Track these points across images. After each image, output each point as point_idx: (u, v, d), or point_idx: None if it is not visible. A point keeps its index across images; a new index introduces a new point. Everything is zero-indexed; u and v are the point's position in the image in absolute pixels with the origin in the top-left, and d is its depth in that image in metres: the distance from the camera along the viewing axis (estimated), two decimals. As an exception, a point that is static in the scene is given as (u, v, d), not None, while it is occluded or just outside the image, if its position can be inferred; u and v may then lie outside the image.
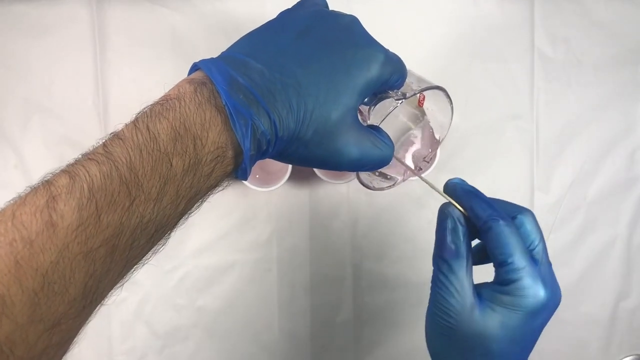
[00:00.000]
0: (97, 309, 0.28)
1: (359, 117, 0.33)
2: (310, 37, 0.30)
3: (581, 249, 0.64)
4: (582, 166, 0.64)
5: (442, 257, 0.33)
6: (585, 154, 0.64)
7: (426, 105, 0.39)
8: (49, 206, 0.24)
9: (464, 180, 0.35)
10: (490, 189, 0.63)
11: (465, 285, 0.32)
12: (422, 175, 0.39)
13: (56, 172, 0.26)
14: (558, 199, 0.64)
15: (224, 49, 0.33)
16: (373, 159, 0.32)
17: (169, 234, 0.29)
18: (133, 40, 0.60)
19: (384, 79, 0.31)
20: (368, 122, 0.35)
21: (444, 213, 0.34)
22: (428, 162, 0.41)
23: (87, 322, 0.28)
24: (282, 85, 0.28)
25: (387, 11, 0.61)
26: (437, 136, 0.40)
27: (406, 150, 0.42)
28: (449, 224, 0.34)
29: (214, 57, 0.30)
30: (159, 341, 0.63)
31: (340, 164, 0.31)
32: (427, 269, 0.64)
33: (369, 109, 0.34)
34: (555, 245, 0.64)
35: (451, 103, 0.37)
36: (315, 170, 0.56)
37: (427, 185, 0.37)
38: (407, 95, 0.33)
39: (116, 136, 0.26)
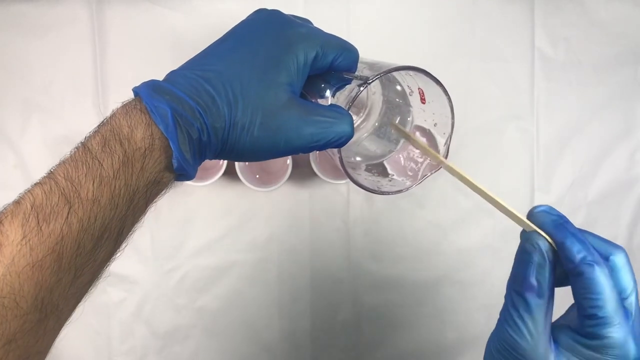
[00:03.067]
0: (58, 326, 0.28)
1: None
2: (231, 37, 0.33)
3: (581, 249, 0.64)
4: (582, 166, 0.64)
5: (519, 293, 0.29)
6: (585, 154, 0.64)
7: (427, 100, 0.38)
8: None
9: (552, 207, 0.31)
10: (490, 189, 0.63)
11: (541, 329, 0.29)
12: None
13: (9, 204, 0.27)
14: (558, 199, 0.64)
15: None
16: (327, 132, 0.31)
17: (118, 240, 0.29)
18: (133, 40, 0.60)
19: (313, 53, 0.32)
20: None
21: (531, 244, 0.30)
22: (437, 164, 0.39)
23: (50, 342, 0.28)
24: (203, 79, 0.30)
25: (387, 11, 0.61)
26: (443, 131, 0.39)
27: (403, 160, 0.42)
28: (536, 258, 0.29)
29: None
30: (159, 341, 0.63)
31: (291, 142, 0.31)
32: (426, 269, 0.64)
33: (332, 97, 0.34)
34: (555, 245, 0.64)
35: (439, 84, 0.35)
36: (315, 170, 0.56)
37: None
38: (370, 78, 0.32)
39: (59, 161, 0.28)
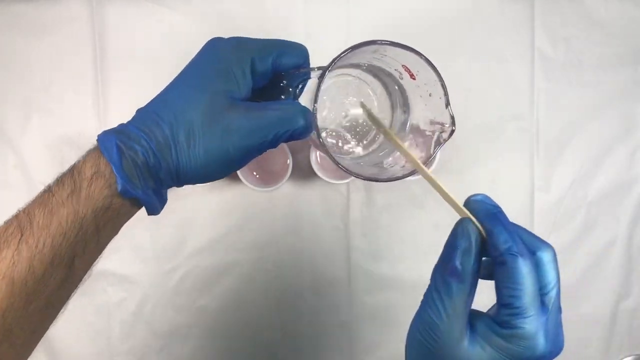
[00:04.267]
0: (14, 353, 0.30)
1: None
2: (181, 72, 0.34)
3: (581, 249, 0.64)
4: (582, 166, 0.64)
5: (443, 276, 0.30)
6: (585, 154, 0.64)
7: (414, 72, 0.37)
8: None
9: (487, 197, 0.32)
10: (490, 189, 0.63)
11: (459, 313, 0.29)
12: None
13: None
14: (558, 199, 0.64)
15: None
16: (274, 126, 0.32)
17: (72, 268, 0.30)
18: (133, 40, 0.60)
19: (252, 60, 0.33)
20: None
21: (462, 230, 0.31)
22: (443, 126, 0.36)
23: None
24: (152, 109, 0.32)
25: (387, 12, 0.61)
26: (439, 96, 0.36)
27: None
28: (463, 244, 0.30)
29: None
30: (159, 341, 0.63)
31: (239, 144, 0.31)
32: (426, 269, 0.64)
33: (295, 94, 0.34)
34: (555, 246, 0.63)
35: (409, 49, 0.33)
36: (315, 170, 0.56)
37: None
38: (328, 68, 0.31)
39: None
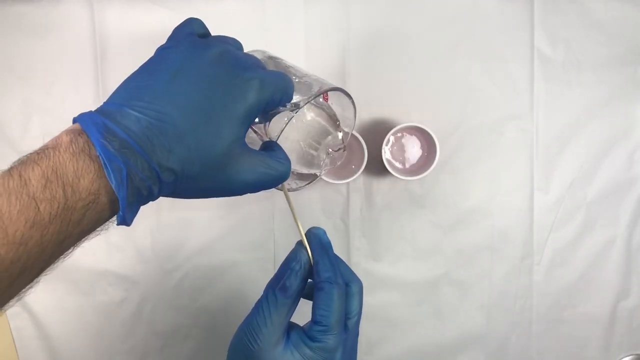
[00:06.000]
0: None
1: (256, 136, 0.37)
2: (183, 76, 0.30)
3: (581, 249, 0.64)
4: (582, 166, 0.64)
5: (273, 290, 0.36)
6: (585, 154, 0.64)
7: (330, 101, 0.41)
8: None
9: (325, 233, 0.39)
10: (490, 189, 0.64)
11: (280, 322, 0.35)
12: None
13: None
14: (558, 199, 0.64)
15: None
16: (269, 180, 0.33)
17: (37, 277, 0.28)
18: (133, 40, 0.60)
19: (265, 101, 0.32)
20: (266, 139, 0.36)
21: (295, 254, 0.38)
22: (337, 152, 0.43)
23: None
24: (159, 130, 0.28)
25: (387, 12, 0.61)
26: (346, 130, 0.43)
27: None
28: (295, 266, 0.37)
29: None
30: (160, 341, 0.63)
31: (237, 191, 0.33)
32: (426, 269, 0.65)
33: (264, 126, 0.36)
34: (555, 245, 0.64)
35: (351, 98, 0.39)
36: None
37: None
38: (301, 104, 0.34)
39: None
